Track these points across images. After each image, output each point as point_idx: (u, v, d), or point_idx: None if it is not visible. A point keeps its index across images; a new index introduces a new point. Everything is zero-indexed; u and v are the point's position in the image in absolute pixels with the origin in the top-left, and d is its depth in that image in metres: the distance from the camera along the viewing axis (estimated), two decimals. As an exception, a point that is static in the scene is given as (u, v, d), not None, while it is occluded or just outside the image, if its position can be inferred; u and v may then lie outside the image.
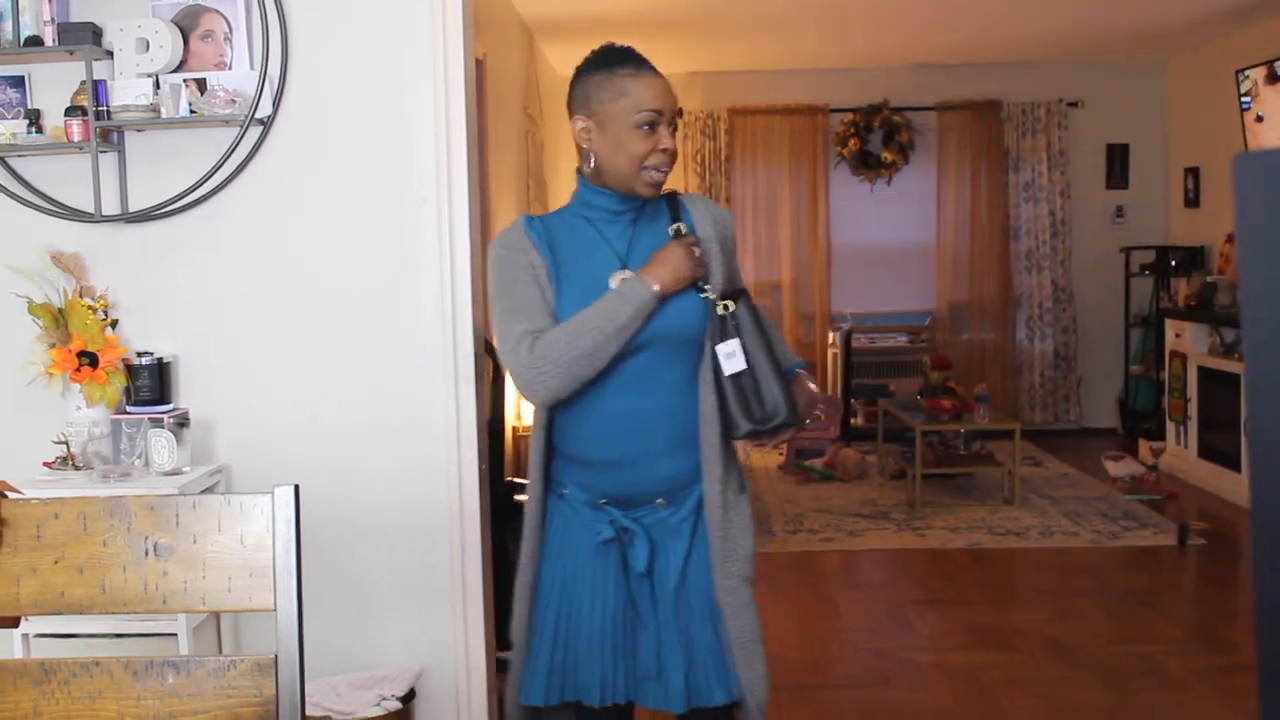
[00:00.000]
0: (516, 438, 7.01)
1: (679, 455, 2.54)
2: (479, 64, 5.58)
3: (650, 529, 2.55)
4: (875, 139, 10.19)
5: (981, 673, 4.84)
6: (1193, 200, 9.70)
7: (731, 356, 2.50)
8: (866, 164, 10.20)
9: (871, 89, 10.15)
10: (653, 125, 2.48)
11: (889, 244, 10.39)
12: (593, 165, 2.53)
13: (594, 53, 2.55)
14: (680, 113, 2.72)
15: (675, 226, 2.54)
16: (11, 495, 1.97)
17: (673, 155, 2.51)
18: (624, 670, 2.54)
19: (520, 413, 7.19)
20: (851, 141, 10.13)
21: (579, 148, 2.56)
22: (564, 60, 9.18)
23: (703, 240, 2.55)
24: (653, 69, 2.52)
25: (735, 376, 2.51)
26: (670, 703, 2.52)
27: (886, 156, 10.15)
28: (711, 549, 2.55)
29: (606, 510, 2.56)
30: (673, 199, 2.61)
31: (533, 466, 2.61)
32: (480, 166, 3.47)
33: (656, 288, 2.43)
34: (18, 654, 3.14)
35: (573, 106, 2.54)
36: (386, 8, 3.34)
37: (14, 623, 2.06)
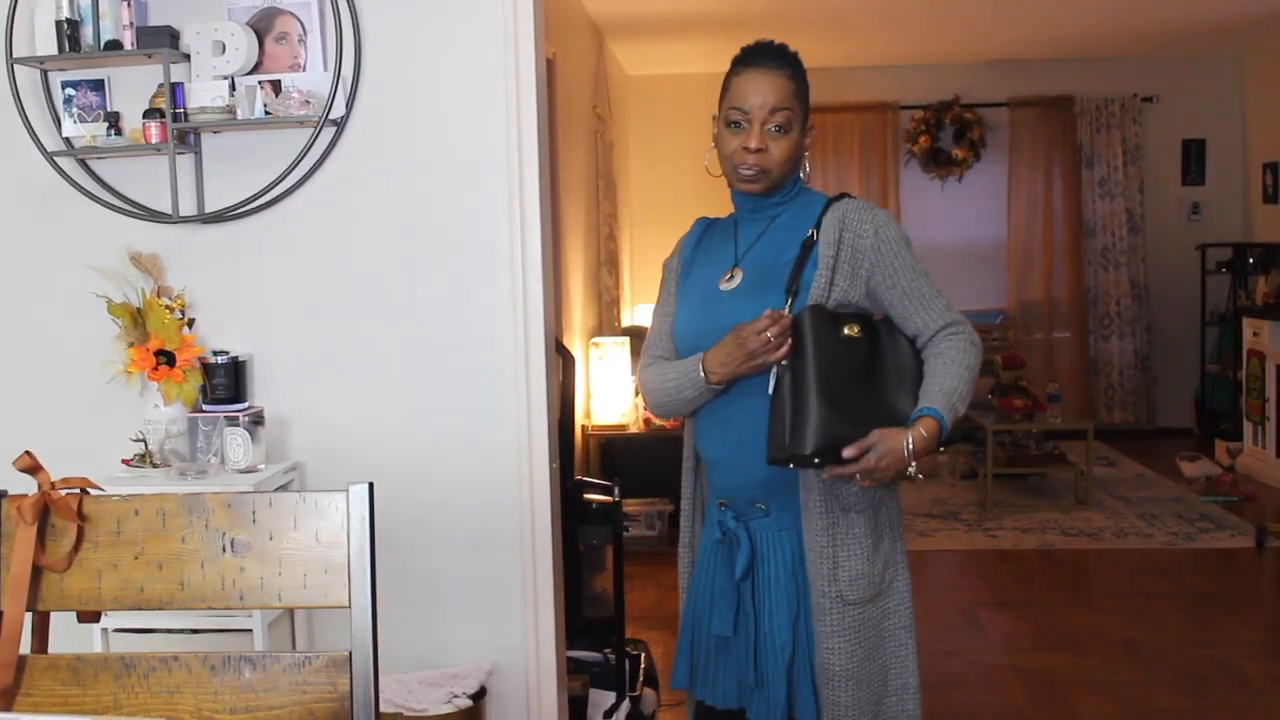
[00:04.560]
0: (586, 436, 7.04)
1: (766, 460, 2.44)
2: (549, 63, 5.59)
3: (755, 534, 2.50)
4: (946, 136, 10.11)
5: (1054, 675, 4.79)
6: (1271, 196, 9.54)
7: (771, 378, 2.40)
8: (937, 161, 10.13)
9: (942, 86, 10.08)
10: (740, 123, 2.46)
11: (960, 242, 10.30)
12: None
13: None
14: (780, 110, 2.59)
15: (811, 232, 2.47)
16: (93, 492, 2.00)
17: (760, 153, 2.43)
18: (732, 675, 2.53)
19: (589, 412, 7.21)
20: (922, 139, 10.06)
21: None
22: (633, 60, 9.18)
23: (820, 248, 2.44)
24: (764, 65, 2.46)
25: (775, 398, 2.39)
26: (771, 717, 2.46)
27: (957, 154, 10.07)
28: (810, 565, 2.45)
29: (723, 511, 2.54)
30: (831, 201, 2.51)
31: (684, 459, 2.69)
32: (550, 166, 3.48)
33: (703, 376, 2.43)
34: (98, 648, 3.18)
35: None
36: (458, 8, 3.36)
37: (95, 617, 2.10)
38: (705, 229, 2.67)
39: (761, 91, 2.44)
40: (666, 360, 2.58)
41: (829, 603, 2.43)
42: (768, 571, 2.49)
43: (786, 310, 2.40)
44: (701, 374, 2.43)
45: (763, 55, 2.48)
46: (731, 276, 2.51)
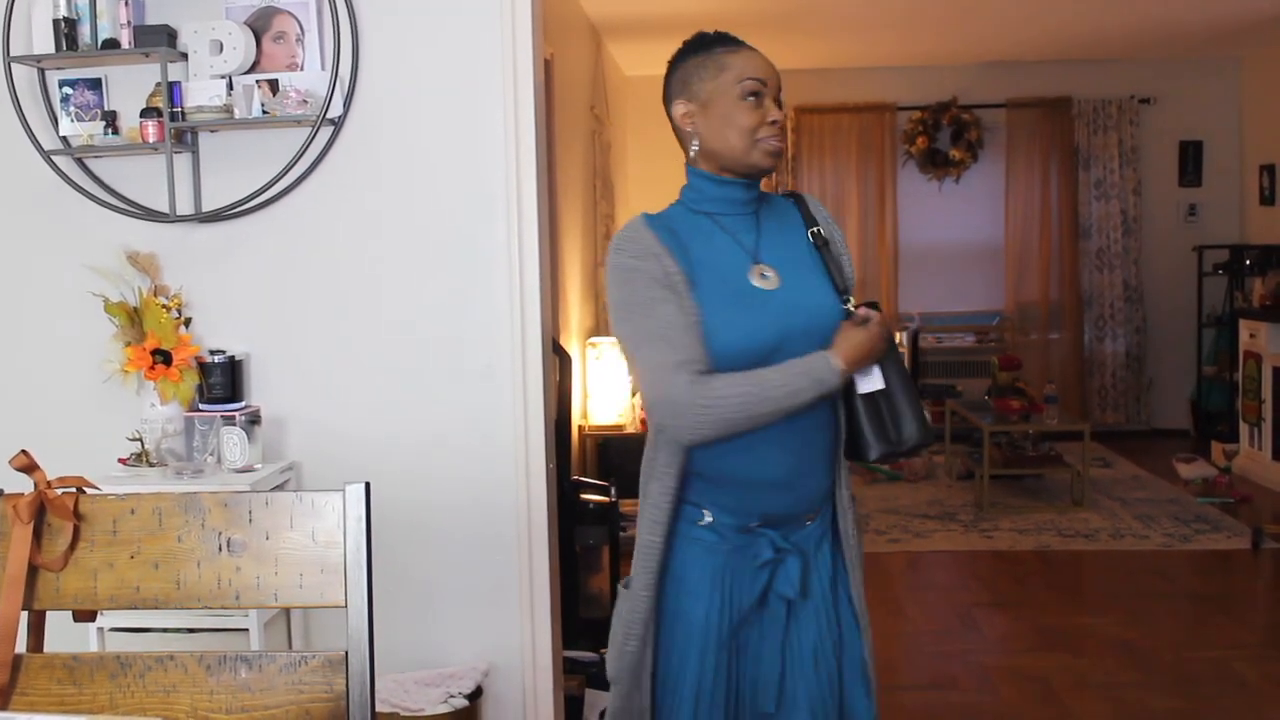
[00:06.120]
0: (582, 436, 7.04)
1: (825, 471, 2.41)
2: (546, 64, 5.59)
3: (799, 545, 2.41)
4: (944, 137, 10.11)
5: (1050, 676, 4.79)
6: (1268, 198, 9.55)
7: (869, 375, 2.36)
8: (935, 162, 10.13)
9: (940, 86, 10.08)
10: (758, 95, 2.36)
11: (957, 243, 10.30)
12: (698, 150, 2.40)
13: (687, 40, 2.46)
14: (779, 88, 2.63)
15: (814, 230, 2.45)
16: (89, 491, 2.00)
17: (782, 128, 2.40)
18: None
19: (586, 412, 7.21)
20: (920, 139, 10.06)
21: (681, 136, 2.44)
22: (631, 60, 9.18)
23: (833, 245, 2.45)
24: (750, 45, 2.43)
25: (870, 396, 2.37)
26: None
27: (955, 154, 10.07)
28: (848, 559, 2.47)
29: (761, 533, 2.37)
30: (799, 200, 2.51)
31: (658, 491, 2.36)
32: (548, 166, 3.48)
33: (841, 366, 2.28)
34: (93, 647, 3.18)
35: (670, 94, 2.44)
36: (456, 9, 3.36)
37: (91, 616, 2.09)
38: (667, 226, 2.39)
39: (769, 66, 2.41)
40: (711, 372, 2.26)
41: (858, 592, 2.47)
42: (812, 580, 2.43)
43: (852, 306, 2.39)
44: (835, 372, 2.28)
45: (740, 39, 2.45)
46: (764, 274, 2.36)
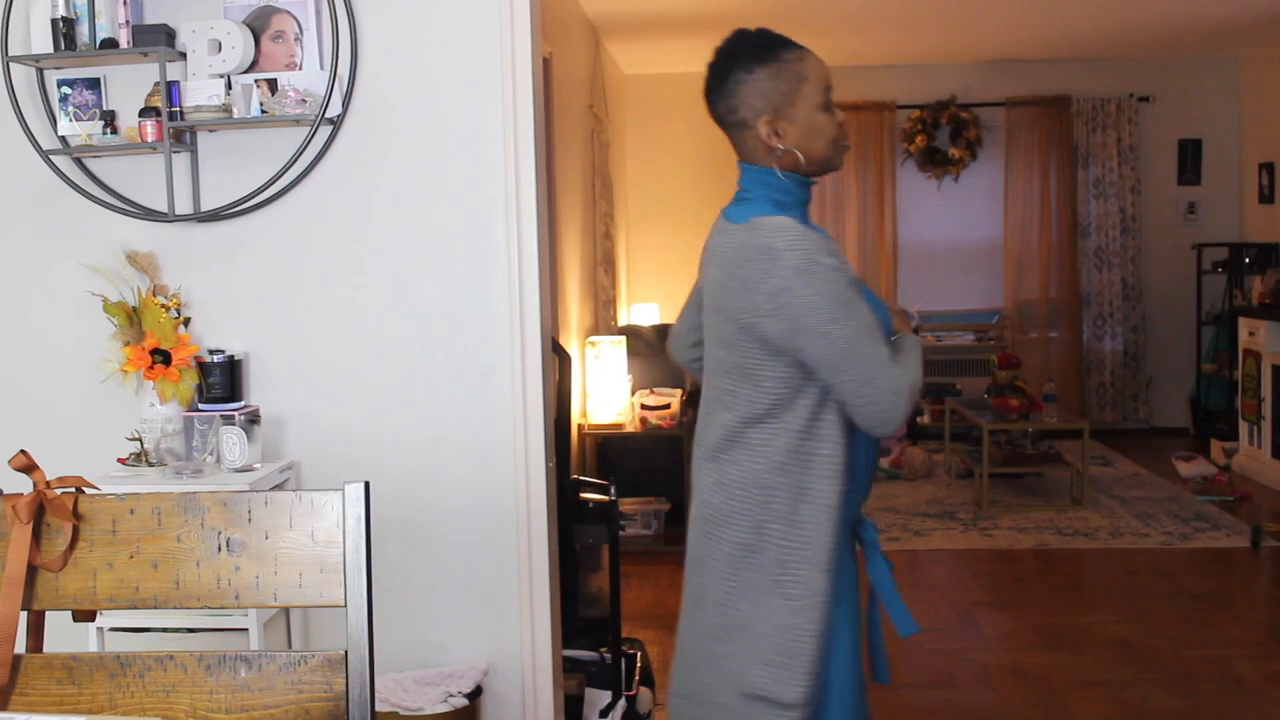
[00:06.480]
0: (582, 435, 7.03)
1: None
2: (545, 63, 5.59)
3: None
4: (943, 135, 10.11)
5: (1050, 674, 4.79)
6: (1267, 196, 9.55)
7: None
8: (934, 160, 10.13)
9: (939, 85, 10.08)
10: (830, 101, 2.41)
11: (956, 241, 10.30)
12: (800, 160, 2.37)
13: (737, 44, 2.40)
14: None
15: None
16: (88, 491, 2.00)
17: None
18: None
19: (586, 411, 7.21)
20: (919, 138, 10.06)
21: (760, 151, 2.39)
22: (630, 59, 9.18)
23: None
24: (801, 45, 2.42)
25: None
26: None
27: (954, 153, 10.07)
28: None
29: (861, 521, 2.53)
30: None
31: (831, 491, 2.36)
32: (547, 165, 3.48)
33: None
34: (93, 647, 3.18)
35: (742, 111, 2.38)
36: (455, 8, 3.36)
37: (90, 616, 2.09)
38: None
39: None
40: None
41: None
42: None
43: None
44: (915, 340, 2.46)
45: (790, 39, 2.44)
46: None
